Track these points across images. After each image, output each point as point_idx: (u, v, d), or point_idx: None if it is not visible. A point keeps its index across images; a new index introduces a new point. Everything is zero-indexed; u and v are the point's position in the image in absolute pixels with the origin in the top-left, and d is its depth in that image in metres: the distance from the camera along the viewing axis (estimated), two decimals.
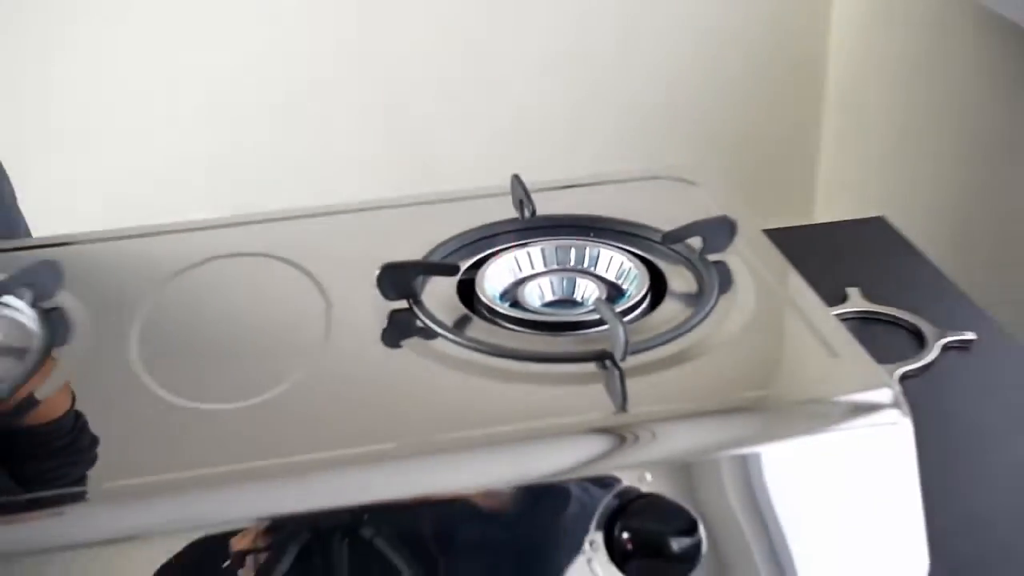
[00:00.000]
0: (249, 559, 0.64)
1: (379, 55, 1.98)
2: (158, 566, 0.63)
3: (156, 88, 1.96)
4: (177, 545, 0.64)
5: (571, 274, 0.86)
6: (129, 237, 0.95)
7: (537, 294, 0.84)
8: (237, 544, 0.64)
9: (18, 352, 0.79)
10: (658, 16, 2.05)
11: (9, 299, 0.84)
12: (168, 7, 1.91)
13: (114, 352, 0.79)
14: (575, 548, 0.66)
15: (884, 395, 0.70)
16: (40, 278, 0.85)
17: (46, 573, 0.63)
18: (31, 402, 0.75)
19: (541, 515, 0.66)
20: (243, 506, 0.65)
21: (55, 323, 0.82)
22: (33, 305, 0.83)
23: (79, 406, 0.75)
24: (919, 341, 0.96)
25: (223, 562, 0.64)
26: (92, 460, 0.70)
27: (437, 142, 2.01)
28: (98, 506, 0.66)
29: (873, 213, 1.21)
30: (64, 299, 0.85)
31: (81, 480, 0.68)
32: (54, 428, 0.74)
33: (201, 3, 1.91)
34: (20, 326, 0.83)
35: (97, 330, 0.82)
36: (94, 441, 0.72)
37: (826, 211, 2.17)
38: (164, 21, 1.92)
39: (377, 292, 0.81)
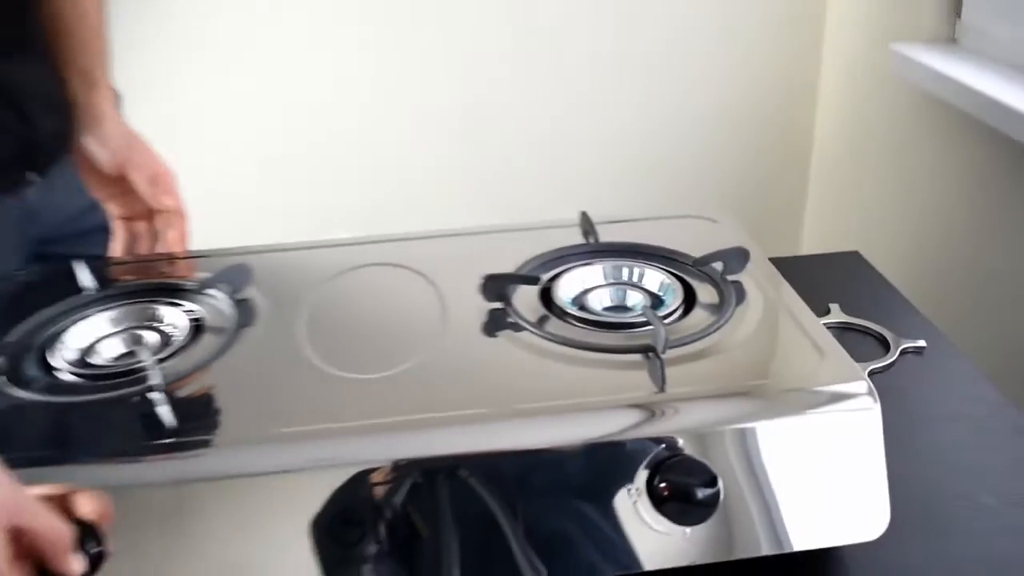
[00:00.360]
0: (377, 490, 0.64)
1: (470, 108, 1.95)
2: (312, 492, 0.64)
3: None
4: (326, 478, 0.64)
5: (623, 287, 0.85)
6: (297, 249, 0.96)
7: (598, 301, 0.84)
8: (370, 479, 0.64)
9: (218, 330, 0.81)
10: (677, 94, 2.03)
11: (212, 291, 0.85)
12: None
13: (286, 333, 0.80)
14: (624, 493, 0.65)
15: (860, 386, 0.69)
16: (235, 277, 0.86)
17: (235, 494, 0.64)
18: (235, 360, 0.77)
19: (598, 467, 0.66)
20: (376, 451, 0.66)
21: (245, 310, 0.83)
22: (229, 296, 0.84)
23: (260, 373, 0.76)
24: (884, 346, 0.95)
25: (359, 491, 0.64)
26: (267, 412, 0.71)
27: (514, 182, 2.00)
28: (272, 445, 0.67)
29: (850, 248, 1.20)
30: (251, 293, 0.86)
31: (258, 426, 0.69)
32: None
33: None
34: (220, 311, 0.84)
35: (274, 316, 0.83)
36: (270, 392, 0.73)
37: (809, 246, 2.15)
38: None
39: (480, 295, 0.82)
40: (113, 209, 1.04)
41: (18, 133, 0.96)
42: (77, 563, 0.63)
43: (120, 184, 1.02)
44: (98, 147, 1.01)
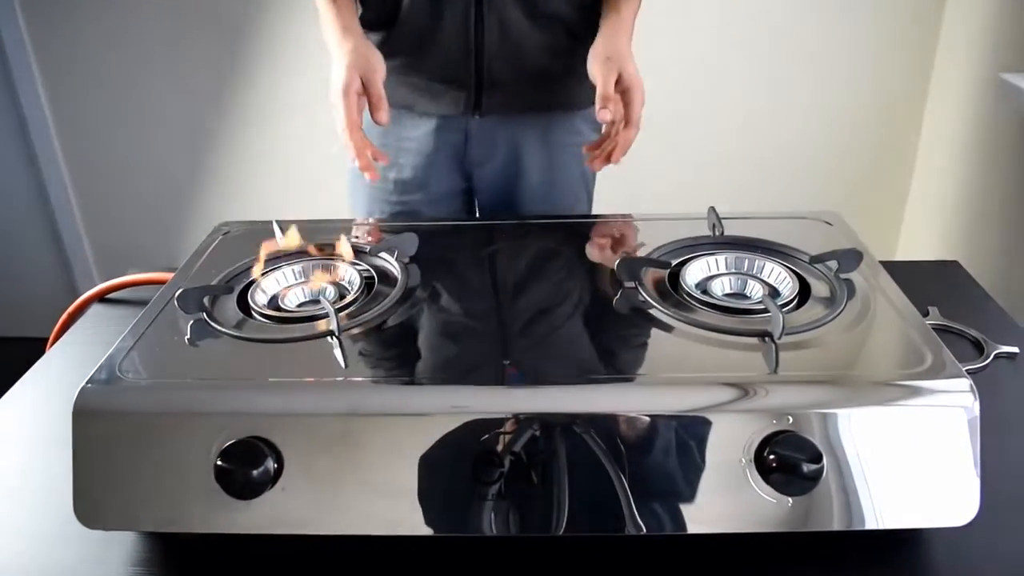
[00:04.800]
0: (503, 437, 0.64)
1: None
2: (448, 435, 0.64)
3: None
4: (464, 423, 0.64)
5: (745, 277, 0.82)
6: (456, 224, 0.96)
7: (720, 287, 0.81)
8: (496, 428, 0.63)
9: (387, 288, 0.81)
10: (799, 107, 1.98)
11: (384, 255, 0.86)
12: None
13: (444, 294, 0.80)
14: (735, 460, 0.63)
15: (961, 384, 0.65)
16: (403, 243, 0.87)
17: (392, 429, 0.64)
18: (400, 315, 0.77)
19: (714, 435, 0.64)
20: (506, 403, 0.65)
21: (411, 270, 0.84)
22: (397, 260, 0.84)
23: (419, 327, 0.76)
24: (979, 350, 0.89)
25: (483, 436, 0.64)
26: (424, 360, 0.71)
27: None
28: (423, 390, 0.68)
29: (945, 257, 1.14)
30: (417, 258, 0.86)
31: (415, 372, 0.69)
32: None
33: None
34: (389, 272, 0.84)
35: (435, 279, 0.83)
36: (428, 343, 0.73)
37: (904, 253, 2.07)
38: None
39: (616, 275, 0.80)
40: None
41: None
42: (387, 119, 0.98)
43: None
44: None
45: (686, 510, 0.64)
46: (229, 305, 0.78)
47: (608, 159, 1.01)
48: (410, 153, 1.18)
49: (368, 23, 1.11)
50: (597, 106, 0.98)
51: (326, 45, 1.03)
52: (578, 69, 1.05)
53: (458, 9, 1.07)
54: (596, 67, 1.00)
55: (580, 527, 0.64)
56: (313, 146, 2.05)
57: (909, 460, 0.64)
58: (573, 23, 1.11)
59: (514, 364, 0.70)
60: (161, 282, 0.90)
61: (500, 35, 1.08)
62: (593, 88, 1.02)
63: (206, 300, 0.77)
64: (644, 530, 0.63)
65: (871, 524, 0.63)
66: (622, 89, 0.99)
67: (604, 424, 0.63)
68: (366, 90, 0.97)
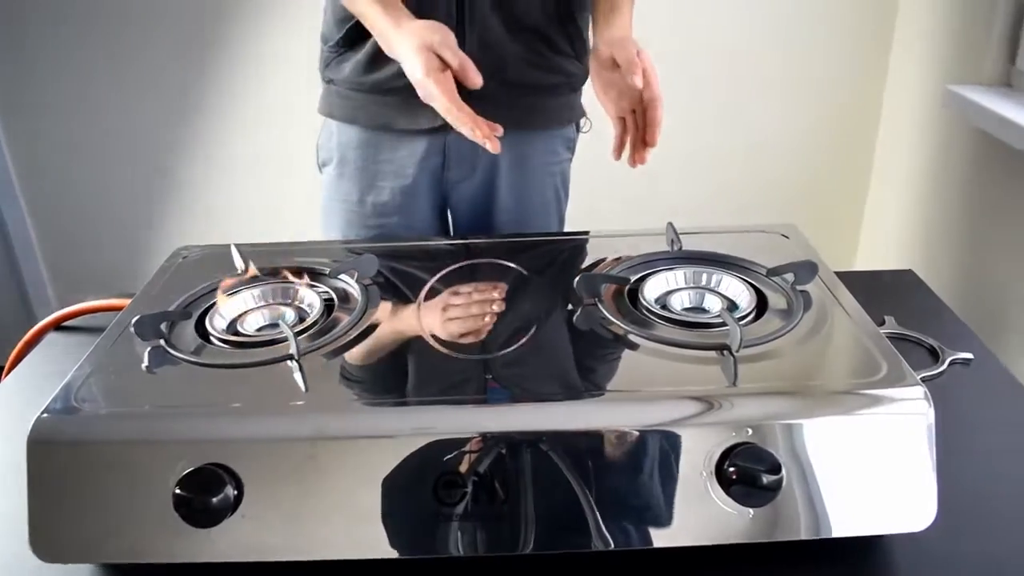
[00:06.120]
0: (468, 457, 0.64)
1: None
2: (408, 456, 0.64)
3: None
4: (425, 445, 0.63)
5: (703, 291, 0.83)
6: (414, 244, 0.96)
7: (679, 302, 0.82)
8: (459, 447, 0.63)
9: (347, 310, 0.81)
10: (754, 123, 2.00)
11: (344, 276, 0.86)
12: None
13: (404, 315, 0.80)
14: (696, 473, 0.63)
15: (916, 391, 0.66)
16: (363, 265, 0.87)
17: (355, 452, 0.64)
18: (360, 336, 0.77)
19: (675, 449, 0.64)
20: (468, 423, 0.65)
21: (371, 292, 0.84)
22: (357, 282, 0.84)
23: (380, 349, 0.76)
24: (934, 357, 0.91)
25: (446, 456, 0.64)
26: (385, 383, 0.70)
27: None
28: (385, 412, 0.67)
29: (902, 266, 1.16)
30: (376, 279, 0.86)
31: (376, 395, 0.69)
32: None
33: None
34: (349, 293, 0.84)
35: (395, 300, 0.83)
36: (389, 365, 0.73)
37: (863, 263, 2.09)
38: None
39: (575, 292, 0.80)
40: (609, 108, 1.06)
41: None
42: (479, 79, 0.94)
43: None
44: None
45: (652, 524, 0.64)
46: (187, 331, 0.78)
47: (645, 144, 1.00)
48: (388, 175, 1.18)
49: (350, 38, 1.11)
50: (626, 72, 0.96)
51: (384, 45, 1.01)
52: (558, 86, 1.05)
53: (439, 19, 1.07)
54: (607, 48, 1.00)
55: (548, 545, 0.64)
56: (273, 167, 2.04)
57: (867, 468, 0.64)
58: (552, 35, 1.12)
59: (473, 384, 0.70)
60: (118, 308, 0.89)
61: (480, 46, 1.08)
62: (572, 108, 1.02)
63: (164, 326, 0.76)
64: (612, 545, 0.64)
65: (832, 532, 0.64)
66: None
67: (566, 441, 0.64)
68: (444, 62, 0.93)
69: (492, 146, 0.93)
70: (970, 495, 0.72)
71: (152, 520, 0.62)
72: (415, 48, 0.93)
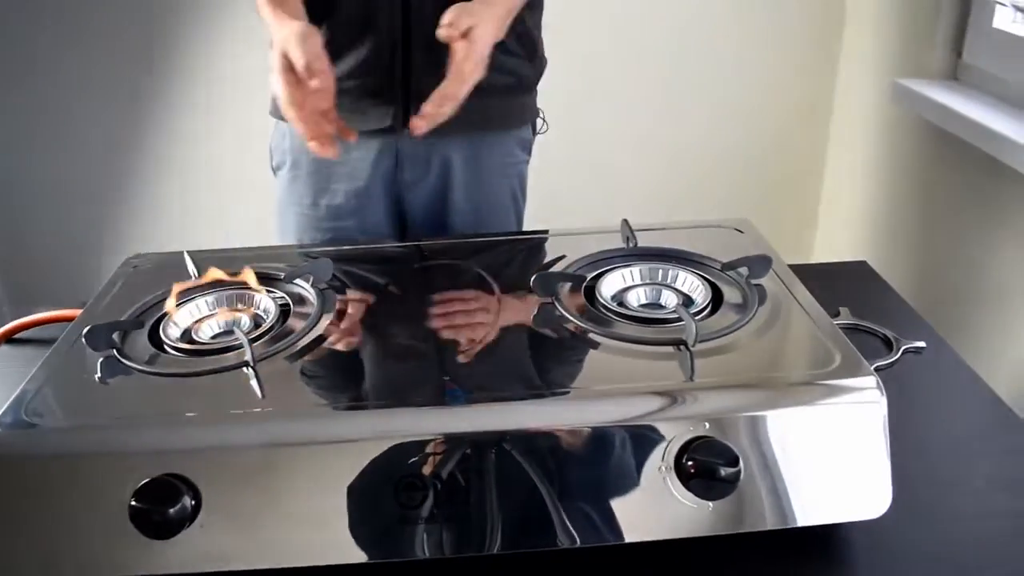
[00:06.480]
0: (429, 459, 0.63)
1: None
2: (369, 459, 0.63)
3: None
4: (388, 448, 0.63)
5: (658, 287, 0.84)
6: (371, 247, 0.96)
7: (635, 298, 0.83)
8: (425, 449, 0.63)
9: (303, 315, 0.80)
10: (707, 119, 2.02)
11: (299, 281, 0.85)
12: None
13: (360, 319, 0.79)
14: (655, 468, 0.64)
15: (868, 381, 0.67)
16: (318, 269, 0.86)
17: (314, 458, 0.64)
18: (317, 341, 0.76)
19: (635, 444, 0.64)
20: (428, 425, 0.64)
21: (327, 296, 0.83)
22: (313, 286, 0.84)
23: (337, 353, 0.75)
24: (888, 346, 0.92)
25: (418, 460, 0.63)
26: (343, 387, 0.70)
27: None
28: (343, 416, 0.67)
29: (857, 258, 1.17)
30: (332, 283, 0.86)
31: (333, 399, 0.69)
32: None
33: None
34: (305, 298, 0.83)
35: (351, 304, 0.83)
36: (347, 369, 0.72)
37: (820, 255, 2.12)
38: None
39: (531, 291, 0.81)
40: None
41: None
42: (326, 82, 0.93)
43: None
44: None
45: (616, 520, 0.64)
46: (140, 340, 0.77)
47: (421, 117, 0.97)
48: (341, 178, 1.17)
49: None
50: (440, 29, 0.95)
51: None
52: (508, 86, 1.04)
53: (383, 19, 1.06)
54: (450, 12, 0.97)
55: (514, 544, 0.64)
56: (227, 173, 2.02)
57: (822, 458, 0.65)
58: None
59: (430, 386, 0.70)
60: (69, 319, 0.87)
61: (426, 46, 1.07)
62: (525, 109, 1.01)
63: (116, 336, 0.75)
64: (577, 542, 0.64)
65: (790, 522, 0.65)
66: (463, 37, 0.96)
67: (527, 440, 0.64)
68: (305, 61, 0.91)
69: (323, 151, 0.93)
70: (924, 482, 0.73)
71: (108, 534, 0.61)
72: (274, 47, 0.94)
